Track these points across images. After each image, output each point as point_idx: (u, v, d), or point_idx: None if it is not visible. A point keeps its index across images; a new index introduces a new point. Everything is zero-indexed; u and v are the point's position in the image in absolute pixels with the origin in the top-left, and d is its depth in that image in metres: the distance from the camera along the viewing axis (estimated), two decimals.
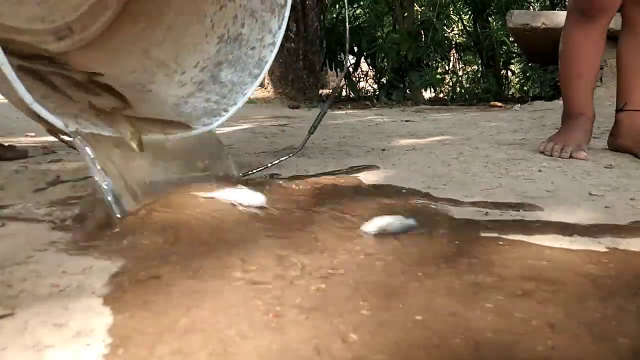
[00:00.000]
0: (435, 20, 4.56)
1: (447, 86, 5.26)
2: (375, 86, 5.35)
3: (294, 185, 1.01)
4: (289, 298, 0.54)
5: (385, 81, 5.12)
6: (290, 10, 1.15)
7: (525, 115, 2.69)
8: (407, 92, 4.94)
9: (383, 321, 0.49)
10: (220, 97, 1.16)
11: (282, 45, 1.15)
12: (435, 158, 1.30)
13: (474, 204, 0.88)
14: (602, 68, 2.88)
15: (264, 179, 1.09)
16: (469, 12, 5.24)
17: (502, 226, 0.76)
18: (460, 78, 5.23)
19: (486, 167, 1.17)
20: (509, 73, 5.43)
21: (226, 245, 0.70)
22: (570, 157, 1.22)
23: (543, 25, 3.06)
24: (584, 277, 0.58)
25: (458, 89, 4.92)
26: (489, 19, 5.05)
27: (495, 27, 4.93)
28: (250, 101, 4.51)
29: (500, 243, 0.69)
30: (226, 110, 1.13)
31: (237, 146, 1.61)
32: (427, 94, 5.50)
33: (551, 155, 1.25)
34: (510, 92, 5.38)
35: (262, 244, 0.70)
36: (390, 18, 5.36)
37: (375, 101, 4.65)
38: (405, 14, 4.88)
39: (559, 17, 3.05)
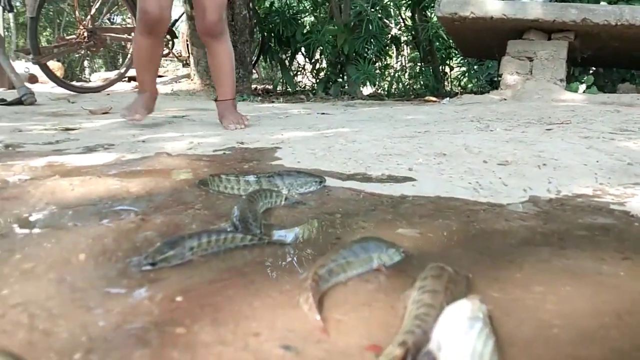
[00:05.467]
0: (370, 10, 4.36)
1: (386, 81, 5.08)
2: (314, 80, 5.11)
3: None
4: None
5: (323, 75, 4.90)
6: None
7: (449, 109, 2.52)
8: (346, 86, 4.73)
9: None
10: None
11: None
12: (290, 154, 1.06)
13: None
14: None
15: None
16: (408, 5, 5.07)
17: None
18: (397, 73, 5.07)
19: (345, 164, 0.94)
20: (448, 69, 5.31)
21: None
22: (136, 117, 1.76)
23: (472, 15, 2.90)
24: None
25: (396, 84, 4.75)
26: (427, 12, 4.90)
27: (433, 21, 4.78)
28: (173, 93, 4.17)
29: None
30: None
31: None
32: (368, 89, 5.31)
33: (124, 117, 1.75)
34: (450, 88, 5.26)
35: None
36: (325, 9, 5.13)
37: (311, 95, 4.41)
38: (342, 5, 4.66)
39: (489, 5, 2.89)
